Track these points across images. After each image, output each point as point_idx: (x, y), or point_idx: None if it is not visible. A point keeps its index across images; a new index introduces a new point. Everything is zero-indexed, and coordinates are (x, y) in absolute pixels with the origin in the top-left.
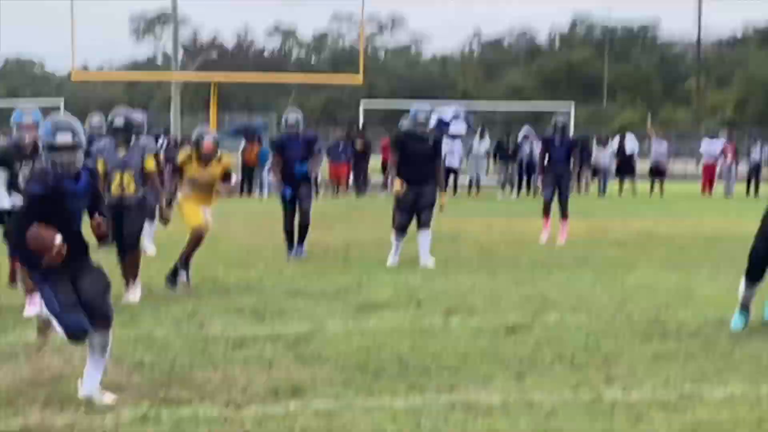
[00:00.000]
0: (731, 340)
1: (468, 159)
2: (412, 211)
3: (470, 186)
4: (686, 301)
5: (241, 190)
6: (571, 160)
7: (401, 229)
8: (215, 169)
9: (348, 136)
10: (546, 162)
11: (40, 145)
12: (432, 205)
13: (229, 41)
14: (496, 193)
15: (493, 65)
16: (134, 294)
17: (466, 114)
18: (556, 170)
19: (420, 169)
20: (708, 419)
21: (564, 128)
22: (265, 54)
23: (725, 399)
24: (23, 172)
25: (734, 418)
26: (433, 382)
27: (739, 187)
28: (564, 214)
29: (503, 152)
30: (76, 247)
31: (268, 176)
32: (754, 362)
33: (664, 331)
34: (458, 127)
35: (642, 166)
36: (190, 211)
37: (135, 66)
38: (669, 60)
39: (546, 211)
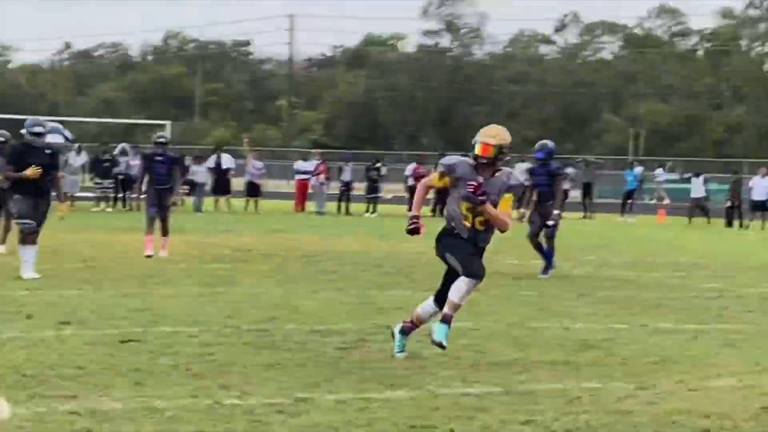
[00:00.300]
0: (337, 350)
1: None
2: (35, 218)
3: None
4: (291, 314)
5: None
6: (174, 176)
7: (26, 242)
8: None
9: None
10: (147, 178)
11: None
12: (44, 219)
13: None
14: (91, 207)
15: (84, 77)
16: None
17: (62, 128)
18: (158, 186)
19: (37, 181)
20: (323, 422)
21: (165, 144)
22: None
23: (337, 404)
24: None
25: (346, 420)
26: (53, 391)
27: (331, 206)
28: (165, 230)
29: (100, 167)
30: None
31: None
32: (361, 371)
33: (273, 342)
34: (54, 140)
35: (237, 183)
36: None
37: None
38: (260, 79)
39: (149, 227)
